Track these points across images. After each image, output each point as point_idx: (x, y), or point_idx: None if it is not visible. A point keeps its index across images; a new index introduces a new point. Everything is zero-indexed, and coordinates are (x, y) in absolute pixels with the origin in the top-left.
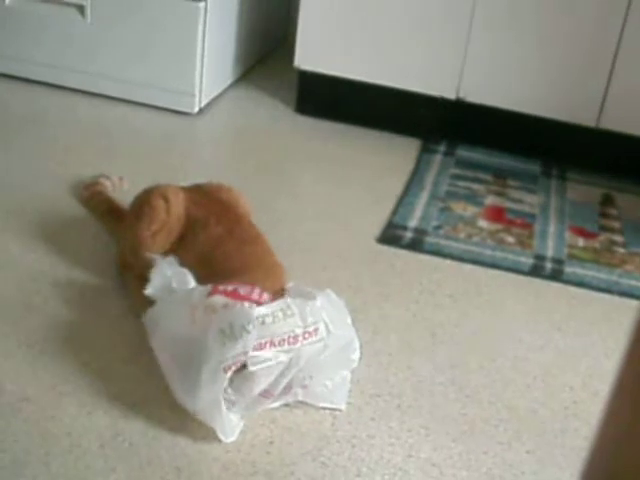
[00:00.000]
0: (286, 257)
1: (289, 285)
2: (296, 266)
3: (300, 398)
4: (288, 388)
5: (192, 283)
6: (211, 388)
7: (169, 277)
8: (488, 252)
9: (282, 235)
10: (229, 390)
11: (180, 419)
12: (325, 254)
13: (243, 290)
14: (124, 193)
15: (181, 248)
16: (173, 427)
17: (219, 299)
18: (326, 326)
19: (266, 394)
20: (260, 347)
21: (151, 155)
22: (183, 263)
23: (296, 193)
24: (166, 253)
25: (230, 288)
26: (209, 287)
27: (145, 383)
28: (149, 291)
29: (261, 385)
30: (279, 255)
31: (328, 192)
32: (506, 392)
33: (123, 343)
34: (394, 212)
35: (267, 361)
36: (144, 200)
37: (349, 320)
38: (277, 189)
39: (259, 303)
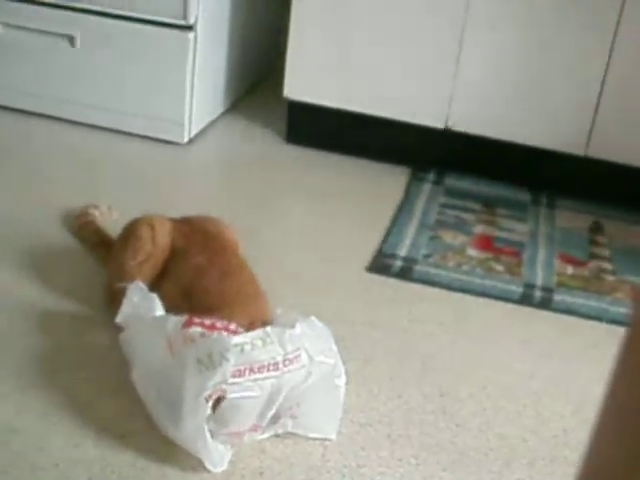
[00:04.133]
0: (273, 287)
1: (278, 311)
2: (283, 295)
3: (290, 429)
4: (276, 418)
5: (159, 310)
6: (194, 418)
7: (137, 304)
8: (477, 280)
9: (270, 265)
10: (211, 423)
11: (169, 450)
12: (314, 283)
13: (220, 323)
14: (113, 223)
15: (165, 279)
16: (162, 458)
17: (195, 330)
18: (307, 353)
19: (254, 428)
20: (239, 374)
21: (140, 185)
22: (167, 295)
23: (285, 224)
24: (152, 284)
25: (207, 322)
26: (183, 318)
27: (133, 414)
28: (119, 319)
29: (246, 417)
30: (266, 285)
31: (317, 222)
32: (496, 420)
33: (112, 374)
34: (384, 241)
35: (248, 389)
36: (130, 230)
37: (334, 346)
38: (266, 220)
39: (236, 333)
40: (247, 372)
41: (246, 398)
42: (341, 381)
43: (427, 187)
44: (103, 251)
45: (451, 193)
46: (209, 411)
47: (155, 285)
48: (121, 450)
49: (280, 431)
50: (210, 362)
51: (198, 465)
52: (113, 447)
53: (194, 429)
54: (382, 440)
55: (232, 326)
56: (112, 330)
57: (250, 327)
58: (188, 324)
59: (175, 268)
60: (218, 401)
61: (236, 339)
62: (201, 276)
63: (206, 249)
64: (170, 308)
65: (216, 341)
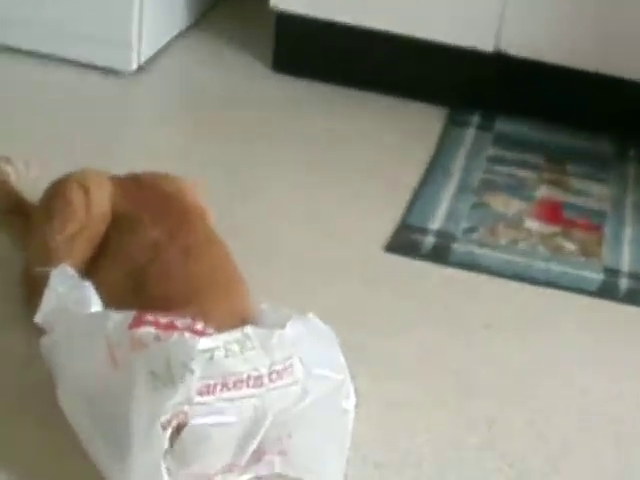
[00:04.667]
0: (257, 274)
1: (263, 305)
2: (271, 284)
3: (278, 470)
4: (259, 454)
5: (96, 303)
6: (146, 454)
7: (64, 296)
8: (540, 264)
9: (253, 243)
10: (169, 459)
11: None
12: (313, 269)
13: (181, 322)
14: (33, 183)
15: (105, 261)
16: None
17: (148, 330)
18: (302, 363)
19: (229, 468)
20: (207, 391)
21: (71, 130)
22: (107, 283)
23: (273, 186)
24: (86, 268)
25: (163, 320)
26: (130, 315)
27: (61, 450)
28: (39, 317)
29: (218, 452)
30: (246, 270)
31: (317, 183)
32: (566, 461)
33: (30, 394)
34: (409, 209)
35: (219, 413)
36: (57, 193)
37: (340, 357)
38: (246, 180)
39: (204, 335)
40: (219, 389)
41: (217, 425)
42: (349, 404)
43: (470, 134)
44: (18, 222)
45: (503, 142)
46: (167, 444)
47: (91, 269)
48: None
49: (264, 473)
50: (168, 375)
51: None
52: None
53: (147, 470)
54: None
55: (198, 325)
56: (30, 332)
57: (223, 327)
58: (137, 323)
59: (119, 245)
60: (179, 429)
61: (204, 343)
62: (156, 257)
63: (163, 219)
64: (112, 301)
65: (176, 346)
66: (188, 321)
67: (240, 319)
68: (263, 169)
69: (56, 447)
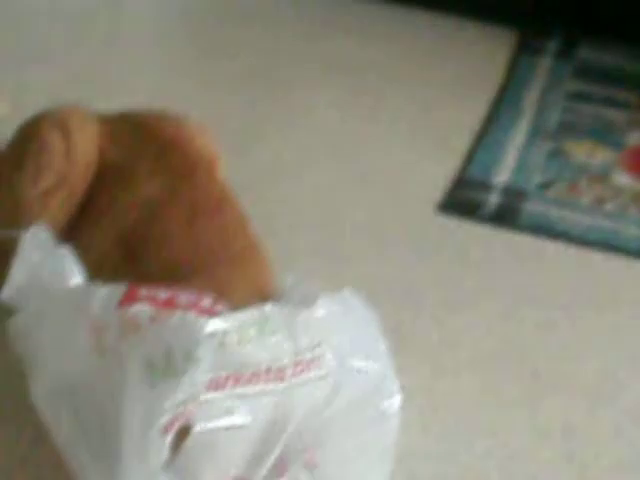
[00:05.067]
0: (278, 239)
1: (288, 279)
2: (296, 254)
3: None
4: (281, 467)
5: (77, 275)
6: (141, 467)
7: (38, 265)
8: (631, 230)
9: (273, 200)
10: (171, 475)
11: None
12: (348, 233)
13: (185, 297)
14: (1, 123)
15: (89, 222)
16: None
17: (142, 309)
18: (335, 352)
19: None
20: (216, 386)
21: (51, 51)
22: (92, 250)
23: (298, 126)
24: (66, 230)
25: (163, 295)
26: (121, 289)
27: (35, 463)
28: (6, 293)
29: (228, 463)
30: (267, 236)
31: (354, 124)
32: None
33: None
34: (468, 158)
35: (230, 413)
36: (30, 135)
37: (382, 344)
38: (265, 119)
39: (213, 314)
40: (230, 383)
41: (228, 429)
42: (393, 404)
43: (546, 63)
44: None
45: (586, 74)
46: (167, 454)
47: (71, 232)
48: None
49: None
50: (168, 366)
51: None
52: None
53: None
54: None
55: (205, 302)
56: None
57: (239, 304)
58: (129, 299)
59: (107, 203)
60: (182, 436)
61: (213, 325)
62: (155, 217)
63: (163, 171)
64: (97, 272)
65: (179, 328)
66: (192, 297)
67: (260, 295)
68: (286, 105)
69: (24, 458)
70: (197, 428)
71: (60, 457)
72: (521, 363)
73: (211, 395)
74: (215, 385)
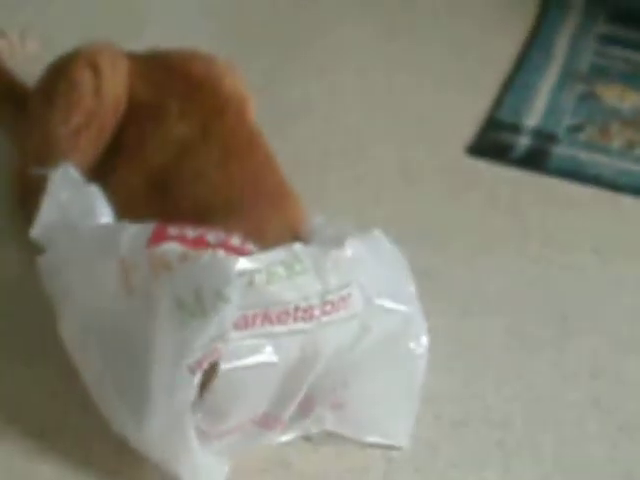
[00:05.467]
0: (308, 179)
1: (318, 219)
2: (327, 196)
3: (330, 427)
4: (307, 407)
5: (106, 213)
6: (169, 405)
7: (66, 203)
8: None
9: (302, 140)
10: (200, 415)
11: (125, 459)
12: (377, 173)
13: (214, 236)
14: (29, 61)
15: (120, 160)
16: (115, 473)
17: (172, 248)
18: (364, 293)
19: (268, 421)
20: (244, 324)
21: None
22: (122, 189)
23: (328, 65)
24: (96, 169)
25: (191, 233)
26: (149, 228)
27: (63, 398)
28: (35, 231)
29: (254, 400)
30: (296, 177)
31: (385, 63)
32: None
33: (27, 326)
34: (499, 100)
35: (257, 352)
36: (60, 73)
37: (411, 285)
38: (295, 58)
39: (242, 253)
40: (259, 321)
41: (256, 368)
42: (421, 345)
43: (578, 6)
44: (9, 110)
45: (619, 17)
46: (195, 393)
47: (101, 171)
48: (41, 463)
49: (314, 430)
50: (197, 305)
51: None
52: (28, 457)
53: (170, 424)
54: (490, 451)
55: (234, 240)
56: (25, 250)
57: (275, 244)
58: (158, 237)
59: (138, 141)
60: (210, 375)
61: (242, 264)
62: (187, 156)
63: (195, 110)
64: (127, 211)
65: (208, 267)
66: (221, 235)
67: (292, 234)
68: (316, 44)
69: (53, 392)
70: (225, 366)
71: (89, 395)
72: (549, 306)
73: (239, 333)
74: (244, 323)
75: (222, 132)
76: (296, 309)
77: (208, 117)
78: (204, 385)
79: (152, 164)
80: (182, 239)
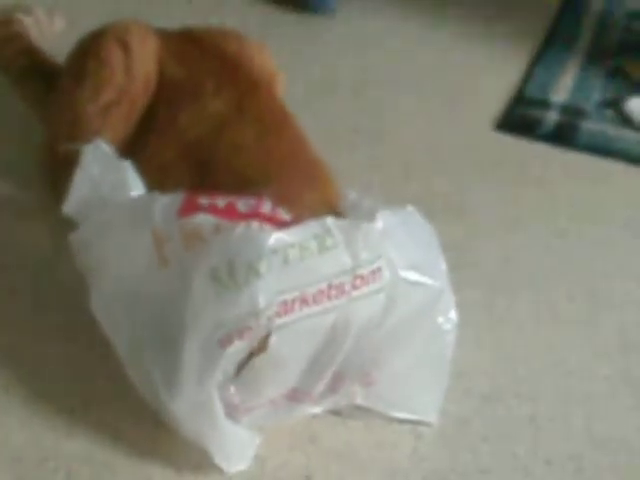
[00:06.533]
0: (338, 155)
1: (351, 194)
2: (356, 171)
3: (360, 401)
4: (337, 382)
5: (138, 187)
6: (200, 378)
7: (98, 178)
8: None
9: (332, 117)
10: (231, 387)
11: (155, 435)
12: (406, 149)
13: (244, 205)
14: (58, 38)
15: (152, 135)
16: (145, 449)
17: (205, 219)
18: (392, 266)
19: (298, 395)
20: (285, 310)
21: None
22: (155, 162)
23: (352, 41)
24: (128, 144)
25: (221, 202)
26: (180, 198)
27: (95, 372)
28: (68, 206)
29: (287, 376)
30: (325, 152)
31: (413, 39)
32: None
33: (58, 301)
34: (527, 76)
35: (297, 334)
36: (89, 50)
37: (441, 261)
38: (321, 33)
39: (275, 223)
40: (297, 306)
41: (294, 348)
42: (450, 320)
43: None
44: (39, 87)
45: None
46: (229, 368)
47: (132, 147)
48: (70, 440)
49: (343, 403)
50: (231, 277)
51: (203, 461)
52: (58, 434)
53: (200, 397)
54: (521, 427)
55: (265, 207)
56: (57, 226)
57: (308, 216)
58: (188, 207)
59: (170, 117)
60: (257, 351)
61: (276, 239)
62: (224, 130)
63: (228, 87)
64: (160, 184)
65: (241, 240)
66: (251, 201)
67: (327, 207)
68: (345, 16)
69: (84, 364)
70: (269, 350)
71: (118, 374)
72: (579, 281)
73: (282, 320)
74: (284, 310)
75: (257, 108)
76: (329, 287)
77: (243, 94)
78: (244, 362)
79: (187, 139)
80: (213, 208)
